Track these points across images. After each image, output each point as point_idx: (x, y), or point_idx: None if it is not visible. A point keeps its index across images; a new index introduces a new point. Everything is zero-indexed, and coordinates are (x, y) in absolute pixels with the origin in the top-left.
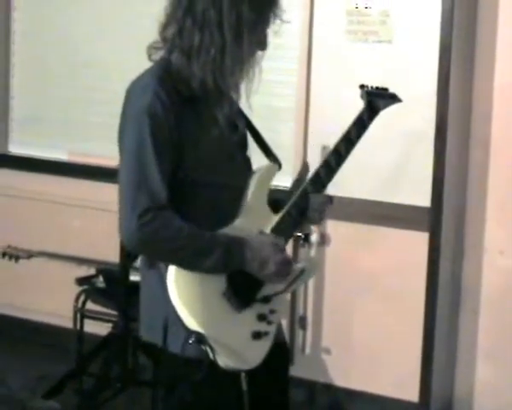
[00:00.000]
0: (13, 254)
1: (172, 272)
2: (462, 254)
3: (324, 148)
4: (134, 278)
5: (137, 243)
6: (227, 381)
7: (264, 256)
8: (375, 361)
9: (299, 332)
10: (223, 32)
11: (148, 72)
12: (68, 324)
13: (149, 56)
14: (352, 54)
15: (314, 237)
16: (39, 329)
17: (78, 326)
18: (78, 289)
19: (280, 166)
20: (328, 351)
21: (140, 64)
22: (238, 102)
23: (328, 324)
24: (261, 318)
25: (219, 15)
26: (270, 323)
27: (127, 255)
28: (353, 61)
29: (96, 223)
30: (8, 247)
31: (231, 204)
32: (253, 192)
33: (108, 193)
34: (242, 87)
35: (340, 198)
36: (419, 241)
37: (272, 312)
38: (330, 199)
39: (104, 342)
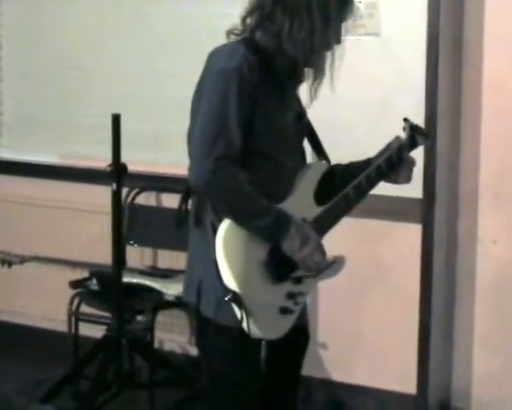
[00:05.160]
0: (5, 260)
1: (224, 225)
2: (455, 244)
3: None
4: (127, 279)
5: (207, 183)
6: (250, 349)
7: (306, 236)
8: (372, 355)
9: None
10: (311, 17)
11: (233, 42)
12: (63, 327)
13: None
14: (339, 47)
15: None
16: (34, 333)
17: (73, 330)
18: (71, 292)
19: (330, 165)
20: (324, 346)
21: (129, 66)
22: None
23: (324, 318)
24: (290, 296)
25: (309, 3)
26: (296, 303)
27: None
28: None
29: (88, 226)
30: (1, 252)
31: (282, 185)
32: (304, 182)
33: (100, 195)
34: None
35: None
36: (412, 233)
37: (300, 294)
38: None
39: (99, 344)
